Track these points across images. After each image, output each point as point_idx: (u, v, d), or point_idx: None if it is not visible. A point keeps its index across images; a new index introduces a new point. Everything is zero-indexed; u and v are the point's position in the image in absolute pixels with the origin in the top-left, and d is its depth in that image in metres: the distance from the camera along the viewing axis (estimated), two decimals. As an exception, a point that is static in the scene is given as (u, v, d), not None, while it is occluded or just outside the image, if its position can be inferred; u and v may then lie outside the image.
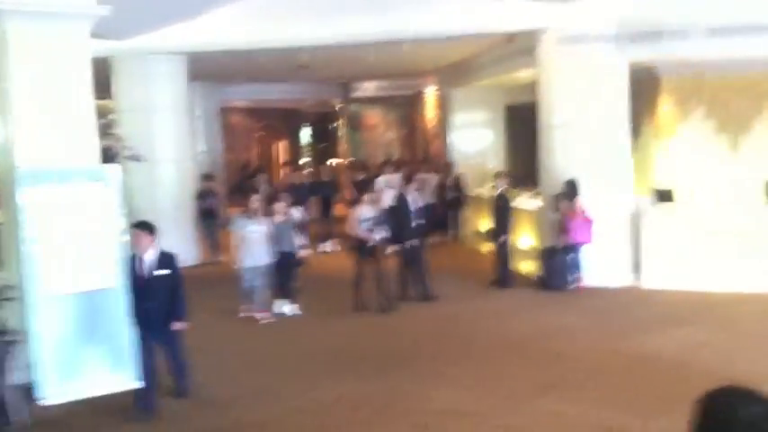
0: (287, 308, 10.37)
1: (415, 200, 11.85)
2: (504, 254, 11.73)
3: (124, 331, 7.39)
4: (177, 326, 7.04)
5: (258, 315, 10.10)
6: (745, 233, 11.12)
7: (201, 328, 9.84)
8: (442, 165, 17.57)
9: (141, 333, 6.81)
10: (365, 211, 10.53)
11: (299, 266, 10.70)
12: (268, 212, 10.57)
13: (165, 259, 6.98)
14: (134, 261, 6.90)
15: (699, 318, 9.67)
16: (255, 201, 10.36)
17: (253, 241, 10.00)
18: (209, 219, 14.59)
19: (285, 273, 10.41)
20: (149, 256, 6.92)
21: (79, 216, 7.21)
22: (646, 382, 7.27)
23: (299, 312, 10.33)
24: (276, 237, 10.18)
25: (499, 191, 11.87)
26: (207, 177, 14.80)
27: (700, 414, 2.29)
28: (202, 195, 14.45)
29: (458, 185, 15.95)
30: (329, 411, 6.82)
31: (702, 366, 7.39)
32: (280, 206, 10.53)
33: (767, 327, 9.24)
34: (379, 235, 10.54)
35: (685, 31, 10.94)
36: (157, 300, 6.89)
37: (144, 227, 6.96)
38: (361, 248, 10.48)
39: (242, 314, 10.19)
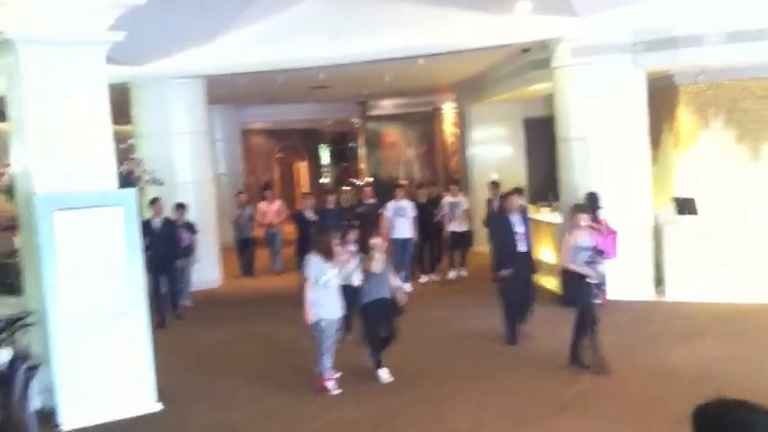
0: (383, 373, 8.16)
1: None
2: None
3: (143, 355, 7.49)
4: None
5: (330, 383, 7.93)
6: (767, 242, 10.99)
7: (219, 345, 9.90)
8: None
9: None
10: (582, 237, 8.30)
11: (399, 315, 8.41)
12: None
13: None
14: None
15: (722, 331, 9.54)
16: (336, 238, 8.22)
17: (332, 289, 7.95)
18: (181, 257, 12.14)
19: (383, 325, 8.21)
20: None
21: (97, 240, 7.31)
22: (665, 398, 7.14)
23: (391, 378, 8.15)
24: (377, 280, 8.19)
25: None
26: (179, 207, 12.45)
27: (694, 428, 2.26)
28: (167, 224, 11.83)
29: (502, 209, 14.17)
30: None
31: (725, 381, 7.24)
32: (378, 241, 8.38)
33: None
34: (601, 268, 8.46)
35: (701, 37, 10.85)
36: None
37: None
38: (582, 287, 8.21)
39: (330, 384, 7.94)
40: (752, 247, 11.06)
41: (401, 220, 13.06)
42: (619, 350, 8.58)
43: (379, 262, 8.25)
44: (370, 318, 8.22)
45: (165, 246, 11.38)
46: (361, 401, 7.53)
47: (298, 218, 13.07)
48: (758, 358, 8.34)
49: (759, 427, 2.17)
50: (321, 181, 28.04)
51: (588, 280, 8.12)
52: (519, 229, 9.53)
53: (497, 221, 10.00)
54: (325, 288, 7.84)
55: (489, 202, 13.60)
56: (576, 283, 8.24)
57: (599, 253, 8.29)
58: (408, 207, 13.19)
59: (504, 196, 10.16)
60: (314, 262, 7.91)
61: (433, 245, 14.18)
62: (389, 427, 6.79)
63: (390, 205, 13.29)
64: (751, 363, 8.15)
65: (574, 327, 8.24)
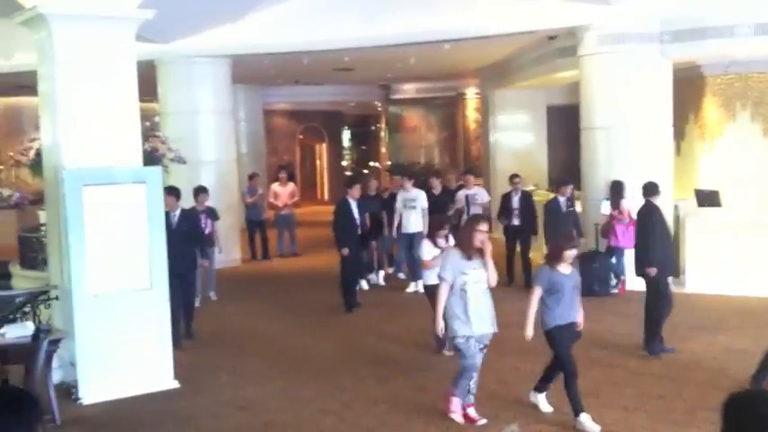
0: (543, 400, 6.63)
1: None
2: None
3: (162, 332, 7.58)
4: None
5: (472, 411, 6.48)
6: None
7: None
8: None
9: None
10: None
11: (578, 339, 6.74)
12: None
13: None
14: None
15: (740, 324, 9.50)
16: (484, 227, 6.44)
17: (479, 296, 6.41)
18: (203, 254, 10.24)
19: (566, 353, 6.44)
20: None
21: (122, 217, 7.40)
22: (681, 389, 7.17)
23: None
24: (570, 296, 6.43)
25: (566, 198, 11.50)
26: (200, 191, 11.18)
27: (727, 419, 2.25)
28: (186, 218, 9.58)
29: (527, 206, 12.22)
30: (360, 413, 6.84)
31: (741, 374, 7.23)
32: (570, 253, 6.46)
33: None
34: None
35: (731, 28, 10.74)
36: None
37: None
38: None
39: (473, 411, 6.49)
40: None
41: (410, 213, 11.92)
42: (635, 340, 8.58)
43: (569, 272, 6.49)
44: (562, 342, 6.38)
45: (185, 244, 9.18)
46: (390, 377, 7.57)
47: (337, 207, 11.29)
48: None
49: None
50: (342, 164, 28.08)
51: None
52: None
53: (653, 213, 8.54)
54: (463, 293, 6.32)
55: (507, 196, 12.39)
56: None
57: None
58: (419, 198, 11.94)
59: (648, 186, 8.73)
60: (453, 258, 6.40)
61: None
62: (396, 408, 6.85)
63: (399, 196, 12.21)
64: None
65: None
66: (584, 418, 6.24)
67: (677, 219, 11.58)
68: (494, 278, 6.44)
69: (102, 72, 7.42)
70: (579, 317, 6.50)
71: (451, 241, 8.28)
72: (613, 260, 11.33)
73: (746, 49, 11.06)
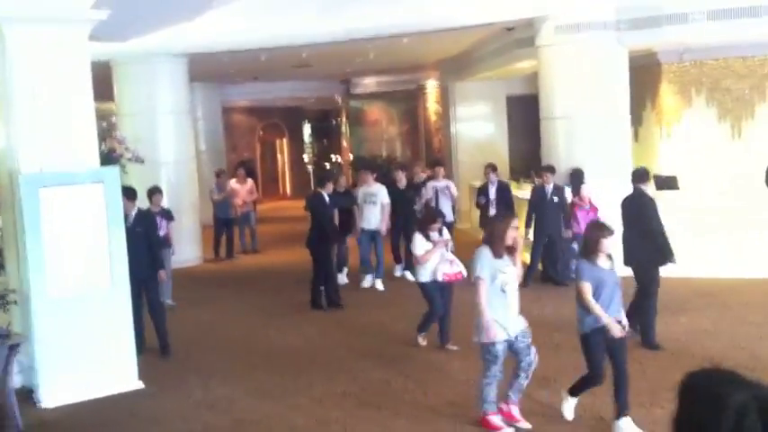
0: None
1: None
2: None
3: (124, 333, 7.48)
4: None
5: (495, 418, 6.10)
6: (747, 219, 11.11)
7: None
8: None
9: None
10: None
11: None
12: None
13: None
14: None
15: (701, 305, 9.67)
16: (516, 223, 6.29)
17: (514, 294, 6.11)
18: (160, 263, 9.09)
19: (616, 360, 6.03)
20: None
21: (80, 219, 7.29)
22: (644, 371, 7.26)
23: None
24: (609, 293, 5.91)
25: (553, 186, 11.24)
26: (155, 191, 10.76)
27: (682, 399, 2.24)
28: (142, 219, 8.92)
29: (505, 197, 12.16)
30: (330, 408, 6.83)
31: (703, 354, 7.38)
32: (608, 242, 5.97)
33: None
34: None
35: (685, 15, 10.91)
36: None
37: None
38: None
39: (496, 419, 6.15)
40: (731, 224, 11.18)
41: (370, 208, 11.57)
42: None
43: (608, 267, 6.04)
44: (598, 348, 5.92)
45: (142, 247, 8.49)
46: (358, 371, 7.59)
47: (315, 201, 10.75)
48: (737, 333, 8.47)
49: (750, 402, 2.15)
50: (304, 158, 27.98)
51: None
52: None
53: (650, 203, 8.41)
54: (503, 293, 5.97)
55: (483, 187, 12.38)
56: None
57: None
58: (380, 193, 11.54)
59: (637, 173, 8.44)
60: (486, 257, 6.00)
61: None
62: (372, 401, 6.86)
63: (360, 190, 11.83)
64: (729, 337, 8.29)
65: None
66: (568, 405, 6.33)
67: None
68: (521, 274, 6.28)
69: (57, 74, 7.30)
70: (622, 317, 6.03)
71: (446, 235, 8.31)
72: (575, 246, 11.43)
73: (701, 35, 11.22)
